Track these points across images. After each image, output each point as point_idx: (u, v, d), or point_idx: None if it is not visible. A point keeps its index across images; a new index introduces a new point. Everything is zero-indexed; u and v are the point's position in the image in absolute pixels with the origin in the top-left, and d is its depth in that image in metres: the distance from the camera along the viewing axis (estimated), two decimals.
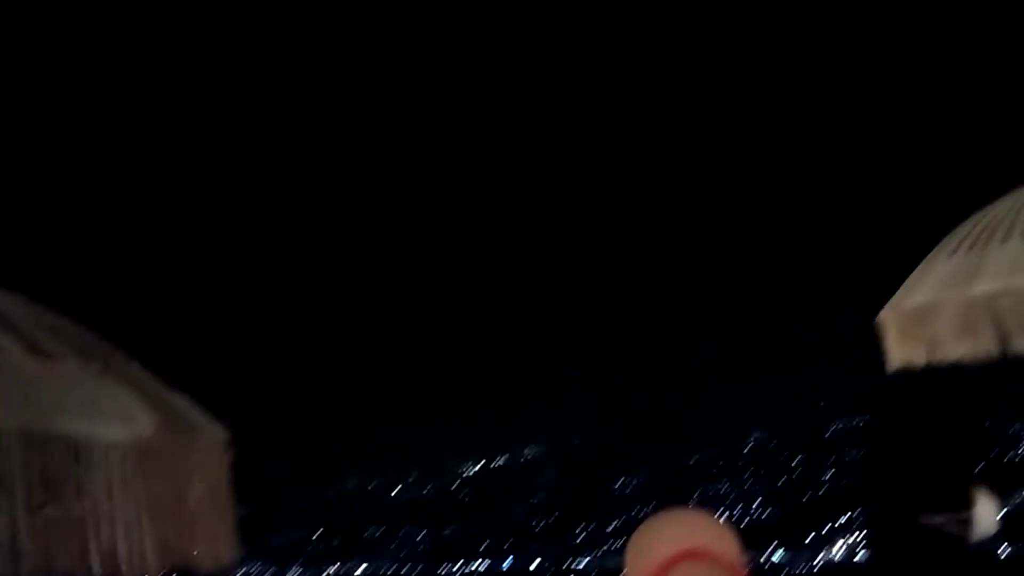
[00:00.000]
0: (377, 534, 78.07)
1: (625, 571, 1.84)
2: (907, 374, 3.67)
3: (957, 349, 3.28)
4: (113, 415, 1.74)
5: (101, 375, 1.80)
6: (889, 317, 3.65)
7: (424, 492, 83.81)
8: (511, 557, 72.31)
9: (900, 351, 3.57)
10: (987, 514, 3.21)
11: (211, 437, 2.07)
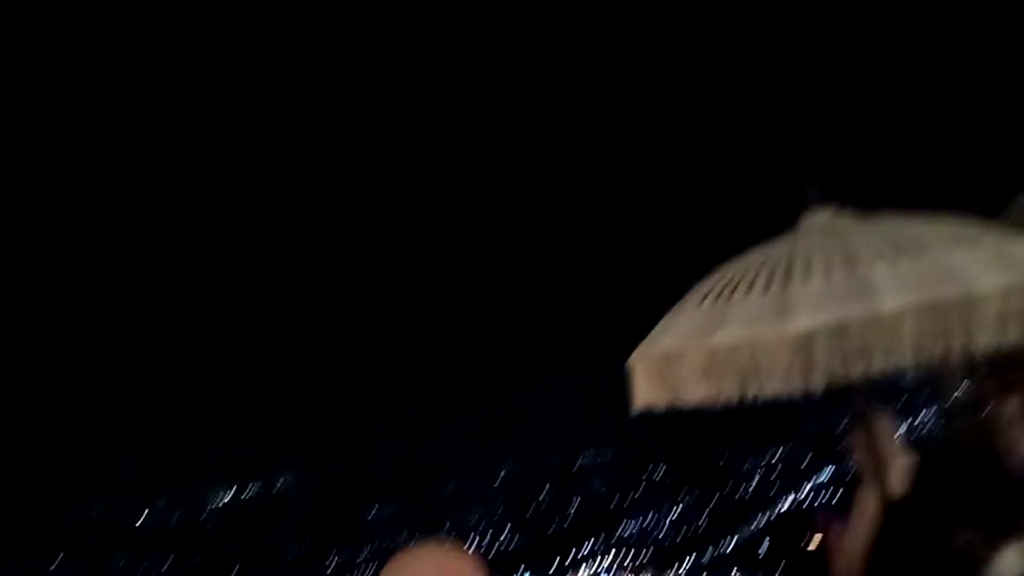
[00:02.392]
0: (122, 563, 73.03)
1: None
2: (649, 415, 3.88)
3: (698, 393, 3.47)
4: None
5: None
6: (637, 362, 3.80)
7: (172, 520, 79.48)
8: None
9: (645, 393, 3.74)
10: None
11: None
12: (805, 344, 3.19)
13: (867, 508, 4.19)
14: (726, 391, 3.39)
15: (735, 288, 3.53)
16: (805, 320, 3.21)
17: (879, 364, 3.15)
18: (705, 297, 3.63)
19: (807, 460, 77.88)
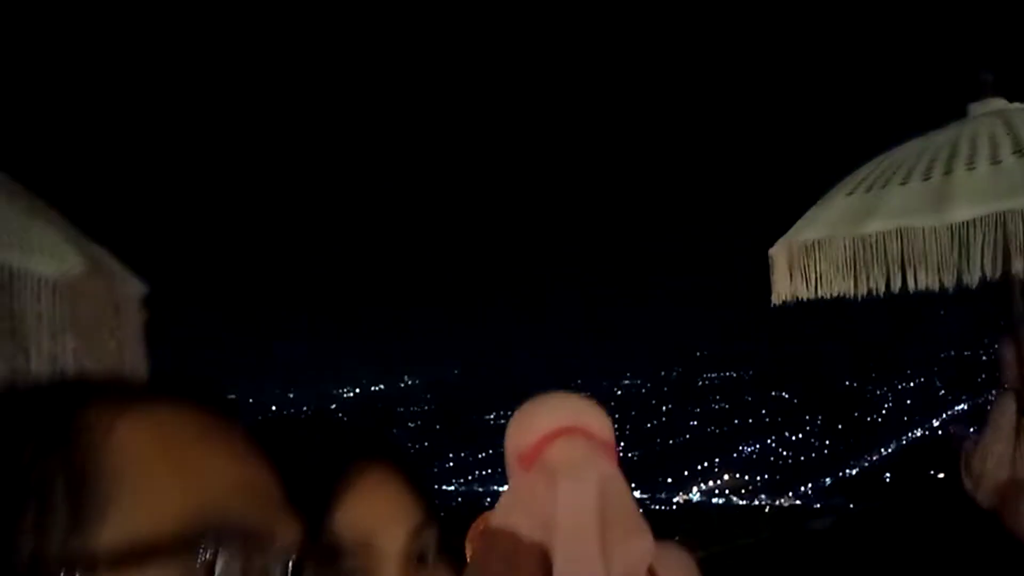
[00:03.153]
0: None
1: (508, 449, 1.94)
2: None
3: (843, 284, 3.41)
4: (43, 250, 1.70)
5: (29, 213, 1.75)
6: (780, 251, 3.72)
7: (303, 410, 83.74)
8: None
9: (786, 284, 3.68)
10: None
11: (134, 288, 2.05)
12: (963, 235, 3.09)
13: (1005, 420, 4.07)
14: (872, 282, 3.33)
15: (891, 177, 3.42)
16: (965, 210, 3.07)
17: None
18: (857, 186, 3.53)
19: (941, 391, 75.42)
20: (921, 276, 3.22)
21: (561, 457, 1.84)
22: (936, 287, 3.24)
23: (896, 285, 3.30)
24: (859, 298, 3.46)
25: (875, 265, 3.34)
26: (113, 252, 2.12)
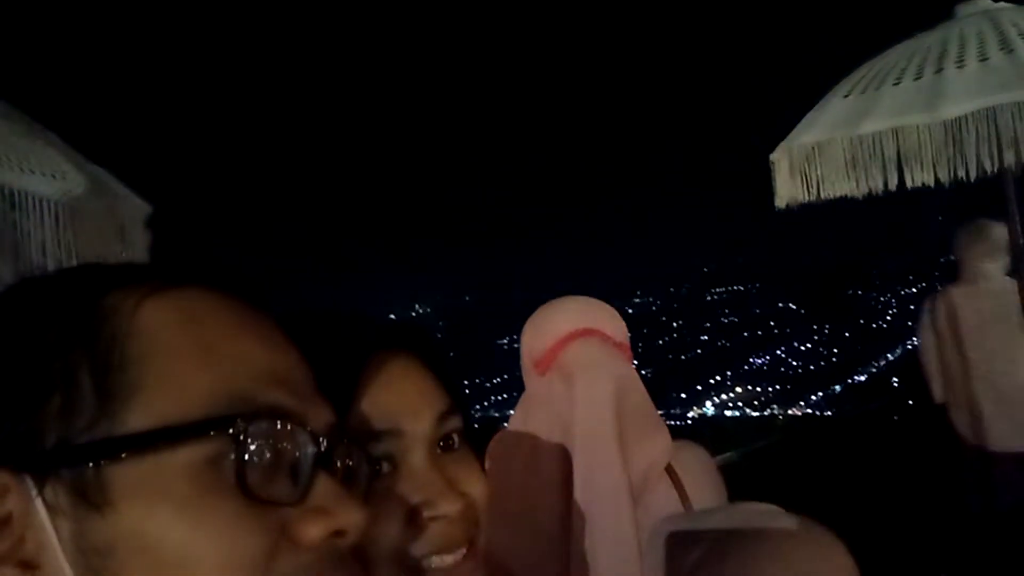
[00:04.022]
0: None
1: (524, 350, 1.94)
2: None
3: (843, 185, 3.43)
4: (44, 170, 1.72)
5: (28, 135, 1.76)
6: (780, 156, 3.76)
7: None
8: None
9: (789, 187, 3.71)
10: None
11: (136, 207, 2.07)
12: (955, 130, 3.11)
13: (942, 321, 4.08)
14: (871, 181, 3.35)
15: (884, 78, 3.42)
16: (957, 106, 3.11)
17: None
18: (853, 88, 3.54)
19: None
20: (918, 173, 3.27)
21: (577, 359, 1.82)
22: (932, 183, 3.28)
23: (894, 183, 3.34)
24: (861, 198, 3.50)
25: (873, 164, 3.38)
26: (116, 173, 2.14)
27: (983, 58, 3.23)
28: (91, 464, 0.59)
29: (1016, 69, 3.13)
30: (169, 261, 0.76)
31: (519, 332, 1.96)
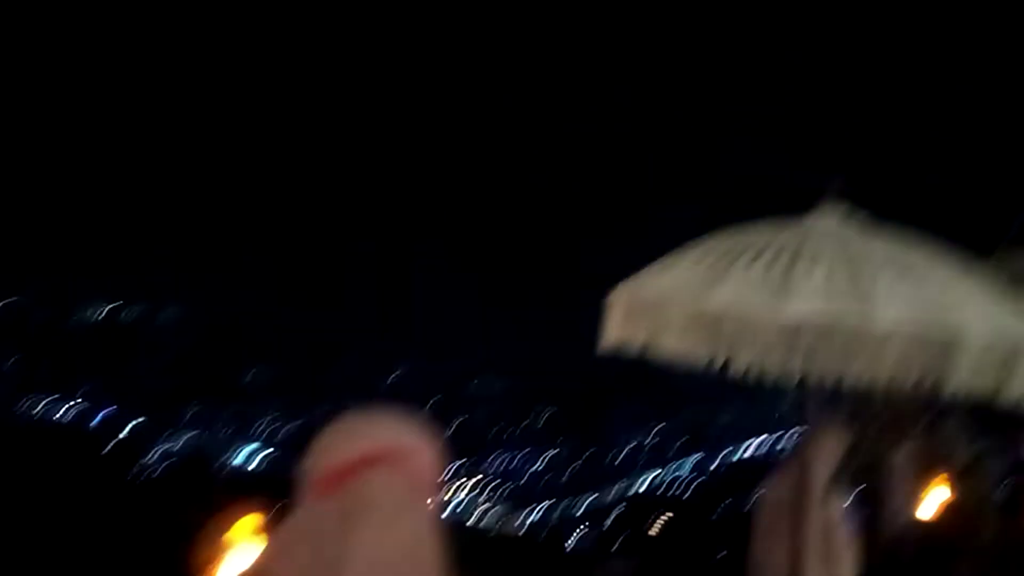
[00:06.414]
0: None
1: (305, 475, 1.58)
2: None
3: (672, 346, 3.41)
4: None
5: None
6: (620, 297, 3.70)
7: None
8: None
9: (620, 329, 3.64)
10: None
11: None
12: (793, 332, 3.18)
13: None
14: (699, 351, 3.37)
15: (740, 255, 3.48)
16: (800, 307, 3.19)
17: (855, 373, 3.17)
18: (708, 254, 3.59)
19: (677, 445, 78.97)
20: (743, 360, 3.29)
21: (367, 493, 1.48)
22: (757, 375, 3.33)
23: (721, 361, 3.35)
24: (685, 367, 3.52)
25: (709, 337, 3.38)
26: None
27: (831, 273, 3.34)
28: None
29: (859, 294, 3.25)
30: None
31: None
